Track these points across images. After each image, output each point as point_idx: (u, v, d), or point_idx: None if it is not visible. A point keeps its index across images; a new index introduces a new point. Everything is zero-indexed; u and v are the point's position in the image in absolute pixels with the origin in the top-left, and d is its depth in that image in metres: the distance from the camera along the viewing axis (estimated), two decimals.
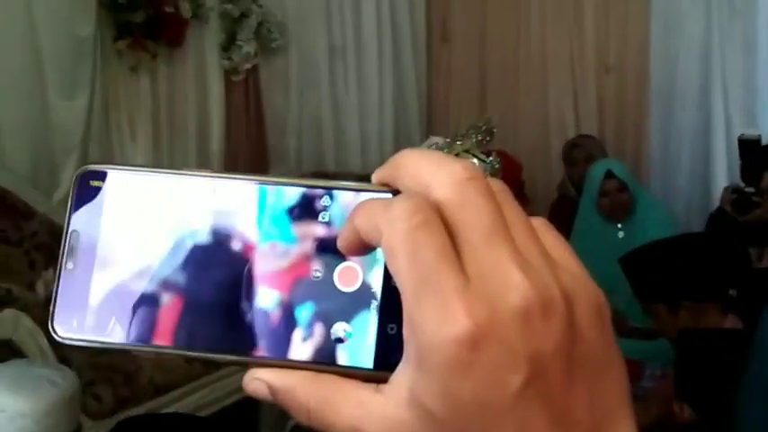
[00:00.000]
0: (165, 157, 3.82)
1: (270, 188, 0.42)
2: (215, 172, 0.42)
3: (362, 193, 0.41)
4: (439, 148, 3.37)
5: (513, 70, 4.76)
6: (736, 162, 3.65)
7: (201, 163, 4.01)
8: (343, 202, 0.41)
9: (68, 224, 0.42)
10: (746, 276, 3.56)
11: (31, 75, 3.30)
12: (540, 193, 4.66)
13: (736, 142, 3.69)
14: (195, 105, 3.92)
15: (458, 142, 3.36)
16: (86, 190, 0.42)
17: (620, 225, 3.81)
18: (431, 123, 4.90)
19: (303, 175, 4.40)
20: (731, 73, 4.18)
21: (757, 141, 3.61)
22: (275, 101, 4.41)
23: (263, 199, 0.42)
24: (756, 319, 2.69)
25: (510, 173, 3.55)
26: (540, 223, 0.39)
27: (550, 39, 4.67)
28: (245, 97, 4.14)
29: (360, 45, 4.67)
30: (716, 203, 3.78)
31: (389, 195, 0.39)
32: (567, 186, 4.39)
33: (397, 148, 4.66)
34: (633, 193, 3.79)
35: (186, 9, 3.52)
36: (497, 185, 0.38)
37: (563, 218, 4.22)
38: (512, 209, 0.38)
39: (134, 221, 0.42)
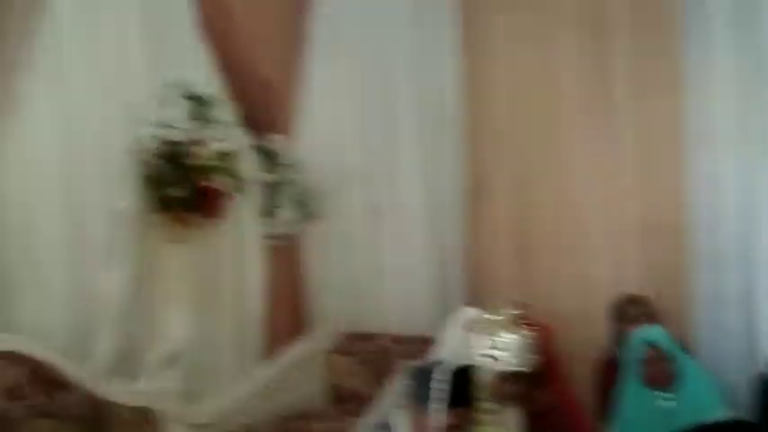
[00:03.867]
0: (204, 324, 3.83)
1: None
2: None
3: None
4: (472, 320, 3.35)
5: (553, 228, 4.76)
6: None
7: (239, 326, 4.01)
8: None
9: None
10: None
11: (72, 246, 3.39)
12: (578, 354, 4.51)
13: None
14: (233, 271, 3.95)
15: (491, 317, 3.35)
16: None
17: (663, 394, 3.71)
18: (472, 280, 4.87)
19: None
20: None
21: None
22: (314, 263, 4.43)
23: None
24: None
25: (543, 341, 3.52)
26: None
27: (591, 197, 4.67)
28: (284, 262, 4.17)
29: (398, 205, 4.71)
30: None
31: None
32: (613, 347, 4.27)
33: (439, 307, 4.66)
34: (676, 362, 3.69)
35: (228, 184, 3.59)
36: None
37: (607, 381, 4.11)
38: None
39: None
